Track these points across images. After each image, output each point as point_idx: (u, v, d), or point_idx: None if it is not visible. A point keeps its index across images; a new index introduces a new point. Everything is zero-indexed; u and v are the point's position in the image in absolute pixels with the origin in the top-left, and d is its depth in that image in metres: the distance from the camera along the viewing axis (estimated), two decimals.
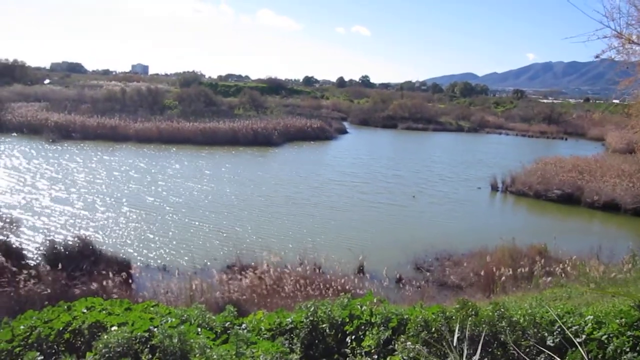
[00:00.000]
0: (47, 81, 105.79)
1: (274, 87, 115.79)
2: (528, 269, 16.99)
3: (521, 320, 5.34)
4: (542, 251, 18.99)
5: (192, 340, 5.60)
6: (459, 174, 43.07)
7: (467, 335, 4.62)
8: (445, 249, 21.27)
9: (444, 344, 4.66)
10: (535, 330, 5.26)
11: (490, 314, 5.37)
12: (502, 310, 5.40)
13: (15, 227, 19.22)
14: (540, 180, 34.71)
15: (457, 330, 3.67)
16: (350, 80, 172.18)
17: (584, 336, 5.19)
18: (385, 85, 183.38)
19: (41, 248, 18.08)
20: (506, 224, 26.86)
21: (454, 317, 5.40)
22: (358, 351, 6.33)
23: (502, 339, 5.20)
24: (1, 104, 58.93)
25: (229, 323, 7.02)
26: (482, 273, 17.41)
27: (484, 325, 5.19)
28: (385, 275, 17.37)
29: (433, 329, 5.29)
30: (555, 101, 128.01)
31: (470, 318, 5.24)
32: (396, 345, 5.84)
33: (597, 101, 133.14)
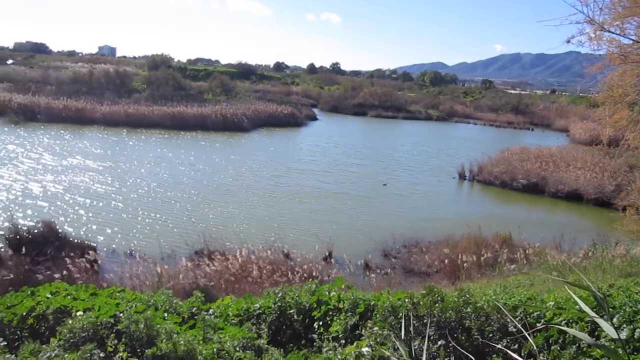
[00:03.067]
0: (10, 61, 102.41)
1: (244, 72, 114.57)
2: (492, 256, 17.34)
3: (485, 306, 5.46)
4: (507, 239, 19.38)
5: (158, 326, 5.57)
6: (427, 162, 43.50)
7: (433, 320, 4.70)
8: (412, 237, 21.49)
9: (410, 329, 4.74)
10: (499, 316, 5.39)
11: (456, 300, 5.48)
12: (467, 296, 5.51)
13: None
14: (506, 169, 35.32)
15: (406, 316, 3.73)
16: (321, 67, 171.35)
17: (544, 321, 5.34)
18: (356, 73, 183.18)
19: (3, 233, 17.67)
20: (472, 213, 27.27)
21: (421, 303, 5.48)
22: (325, 336, 6.38)
23: (466, 324, 5.30)
24: None
25: (196, 309, 7.00)
26: (448, 260, 17.71)
27: (450, 312, 5.29)
28: (350, 262, 17.50)
29: (400, 314, 5.36)
30: (522, 92, 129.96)
31: (436, 304, 5.32)
32: (363, 330, 5.91)
33: (563, 93, 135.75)
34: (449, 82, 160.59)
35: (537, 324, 5.27)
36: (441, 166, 41.36)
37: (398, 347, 4.85)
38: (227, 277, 15.31)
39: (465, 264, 16.94)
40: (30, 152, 34.89)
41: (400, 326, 5.07)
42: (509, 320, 5.31)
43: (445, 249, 18.46)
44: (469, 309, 5.35)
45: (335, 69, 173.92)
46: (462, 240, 19.10)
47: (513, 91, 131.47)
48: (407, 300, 5.67)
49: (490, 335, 5.26)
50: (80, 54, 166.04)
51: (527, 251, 17.79)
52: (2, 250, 16.05)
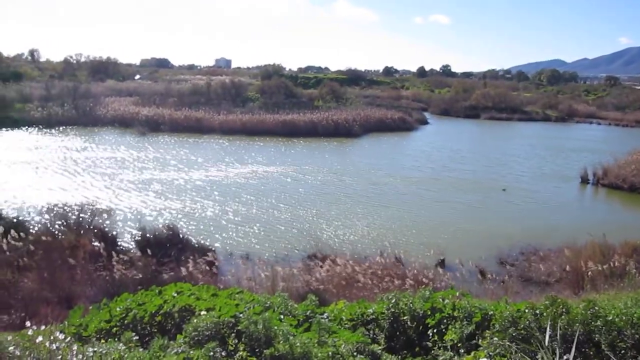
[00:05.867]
0: (137, 77, 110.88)
1: (353, 78, 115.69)
2: (621, 266, 16.07)
3: (617, 320, 5.06)
4: (638, 248, 17.88)
5: (275, 327, 5.73)
6: (546, 165, 41.39)
7: (558, 333, 4.43)
8: (530, 244, 20.52)
9: (533, 341, 4.51)
10: (633, 331, 4.97)
11: (583, 312, 5.13)
12: (596, 308, 5.14)
13: (109, 215, 20.37)
14: (636, 172, 32.64)
15: (548, 328, 3.54)
16: (431, 70, 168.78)
17: None
18: (468, 75, 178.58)
19: (133, 235, 19.13)
20: (596, 219, 25.52)
21: (543, 314, 5.19)
22: (440, 345, 6.25)
23: (596, 339, 4.95)
24: (96, 99, 62.50)
25: (310, 312, 7.12)
26: (570, 269, 16.67)
27: (577, 324, 4.96)
28: (463, 267, 16.98)
29: (521, 325, 5.12)
30: None
31: (561, 316, 5.02)
32: (480, 340, 5.71)
33: None
34: (568, 80, 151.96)
35: None
36: (557, 171, 39.04)
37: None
38: (338, 281, 15.46)
39: (589, 273, 15.85)
40: (151, 160, 37.43)
41: (522, 338, 4.85)
42: None
43: (567, 255, 17.42)
44: (598, 323, 4.99)
45: (446, 71, 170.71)
46: (585, 248, 17.89)
47: None
48: (527, 310, 5.41)
49: (623, 351, 4.87)
50: (198, 67, 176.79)
51: None
52: (132, 251, 17.32)
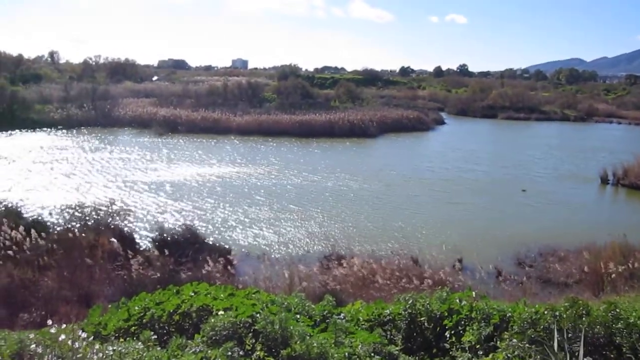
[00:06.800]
0: (155, 78, 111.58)
1: (369, 78, 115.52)
2: None
3: (638, 323, 4.98)
4: None
5: (292, 327, 5.74)
6: (565, 165, 40.92)
7: (567, 335, 4.38)
8: (549, 244, 20.28)
9: (552, 343, 4.46)
10: None
11: (604, 314, 5.06)
12: (617, 310, 5.06)
13: (127, 215, 20.56)
14: None
15: (556, 330, 3.50)
16: (448, 70, 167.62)
17: None
18: (485, 74, 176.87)
19: (150, 235, 19.29)
20: (617, 219, 25.17)
21: (563, 316, 5.13)
22: (457, 346, 6.21)
23: (617, 341, 4.88)
24: (114, 100, 63.12)
25: (327, 312, 7.12)
26: (589, 270, 16.47)
27: (598, 327, 4.90)
28: (481, 268, 16.83)
29: (540, 327, 5.06)
30: None
31: (582, 318, 4.96)
32: (498, 342, 5.66)
33: None
34: (588, 79, 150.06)
35: None
36: (576, 171, 38.51)
37: None
38: (355, 281, 15.44)
39: (610, 275, 15.63)
40: (167, 161, 37.72)
41: (541, 340, 4.80)
42: None
43: (586, 257, 17.21)
44: (620, 325, 4.92)
45: (463, 70, 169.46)
46: (605, 249, 17.64)
47: None
48: (547, 312, 5.35)
49: None
50: (215, 68, 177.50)
51: None
52: (150, 251, 17.46)
